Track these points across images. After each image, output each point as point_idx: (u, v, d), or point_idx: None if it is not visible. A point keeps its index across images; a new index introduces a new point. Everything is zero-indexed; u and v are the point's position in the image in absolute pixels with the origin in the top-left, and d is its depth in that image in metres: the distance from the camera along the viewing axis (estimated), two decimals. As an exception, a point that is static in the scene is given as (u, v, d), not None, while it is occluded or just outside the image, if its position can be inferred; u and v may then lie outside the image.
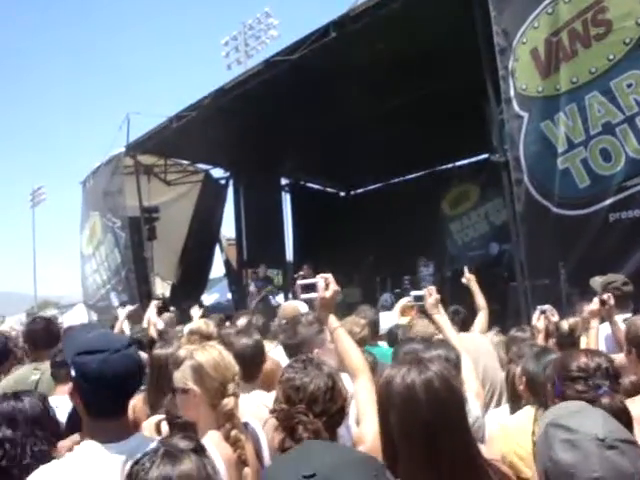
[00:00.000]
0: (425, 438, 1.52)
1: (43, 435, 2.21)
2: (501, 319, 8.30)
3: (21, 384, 3.30)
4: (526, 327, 4.24)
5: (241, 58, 26.64)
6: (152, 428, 2.35)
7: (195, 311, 5.79)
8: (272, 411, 1.88)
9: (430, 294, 3.30)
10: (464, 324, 4.70)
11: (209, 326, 4.00)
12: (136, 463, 1.42)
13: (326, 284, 2.29)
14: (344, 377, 2.19)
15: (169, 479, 1.36)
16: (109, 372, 1.78)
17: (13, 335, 5.49)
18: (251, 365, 2.84)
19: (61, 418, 2.59)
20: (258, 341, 3.05)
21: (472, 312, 5.18)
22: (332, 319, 2.27)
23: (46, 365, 3.46)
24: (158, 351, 3.11)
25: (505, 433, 2.36)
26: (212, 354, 2.22)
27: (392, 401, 1.59)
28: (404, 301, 4.85)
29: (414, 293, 3.62)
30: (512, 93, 6.73)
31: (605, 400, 1.93)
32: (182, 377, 2.20)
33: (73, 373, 1.84)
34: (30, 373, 3.55)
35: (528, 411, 2.43)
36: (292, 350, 2.66)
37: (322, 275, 2.32)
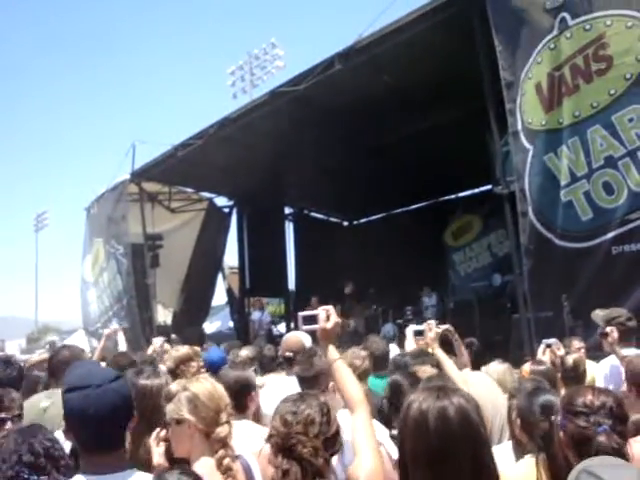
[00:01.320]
0: (430, 466, 1.53)
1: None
2: (504, 351, 8.25)
3: (30, 410, 3.27)
4: (543, 360, 4.17)
5: (247, 87, 26.94)
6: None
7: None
8: (269, 437, 1.88)
9: (430, 329, 3.29)
10: (477, 356, 4.62)
11: (179, 350, 4.02)
12: None
13: (327, 315, 2.30)
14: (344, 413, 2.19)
15: None
16: (91, 408, 1.80)
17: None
18: (239, 397, 2.86)
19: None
20: (247, 375, 3.06)
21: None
22: (332, 350, 2.27)
23: (58, 393, 3.43)
24: (143, 381, 3.11)
25: None
26: (205, 385, 2.29)
27: (407, 424, 1.62)
28: (410, 332, 4.75)
29: (414, 328, 3.59)
30: (519, 127, 6.79)
31: (601, 439, 1.90)
32: (176, 408, 2.23)
33: (64, 410, 1.88)
34: (41, 400, 3.52)
35: (529, 462, 2.32)
36: (308, 383, 2.64)
37: (323, 307, 2.33)
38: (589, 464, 1.39)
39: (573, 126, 6.37)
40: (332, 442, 1.84)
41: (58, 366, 3.92)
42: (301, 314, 2.40)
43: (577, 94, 6.34)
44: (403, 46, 8.22)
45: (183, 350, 4.00)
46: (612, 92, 6.01)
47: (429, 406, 1.60)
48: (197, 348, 4.06)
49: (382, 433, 2.42)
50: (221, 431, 2.16)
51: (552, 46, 6.50)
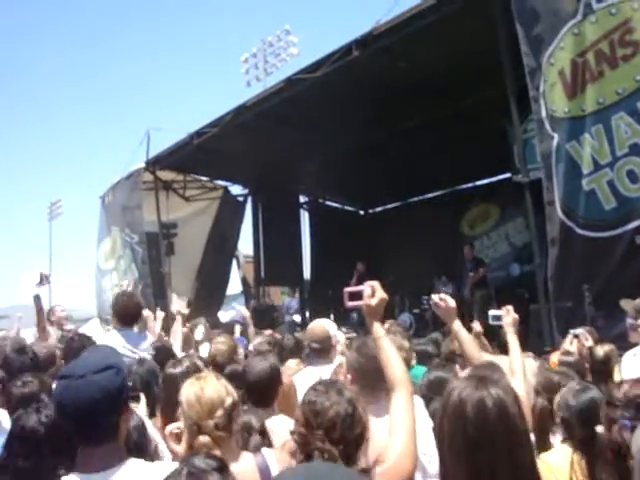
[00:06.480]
0: (468, 454, 1.53)
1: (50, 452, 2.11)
2: (522, 341, 8.17)
3: None
4: (571, 351, 4.09)
5: (260, 75, 26.76)
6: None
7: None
8: (292, 432, 1.85)
9: (508, 313, 3.24)
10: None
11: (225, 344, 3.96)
12: None
13: (372, 292, 2.23)
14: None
15: None
16: (67, 400, 1.72)
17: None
18: (264, 390, 2.83)
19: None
20: (272, 365, 2.99)
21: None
22: (377, 327, 2.21)
23: None
24: (170, 370, 3.10)
25: (548, 470, 2.28)
26: (193, 389, 2.16)
27: (446, 411, 1.63)
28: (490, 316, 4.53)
29: (492, 313, 3.47)
30: (544, 114, 6.66)
31: None
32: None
33: None
34: None
35: (566, 451, 2.37)
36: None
37: (369, 283, 2.26)
38: None
39: (597, 113, 6.23)
40: (354, 446, 1.77)
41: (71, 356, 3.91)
42: (347, 290, 2.31)
43: (601, 80, 6.20)
44: (421, 33, 8.11)
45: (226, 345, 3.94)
46: (638, 78, 5.86)
47: (468, 395, 1.59)
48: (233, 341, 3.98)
49: (422, 411, 2.37)
50: (201, 441, 2.05)
51: (576, 31, 6.35)
